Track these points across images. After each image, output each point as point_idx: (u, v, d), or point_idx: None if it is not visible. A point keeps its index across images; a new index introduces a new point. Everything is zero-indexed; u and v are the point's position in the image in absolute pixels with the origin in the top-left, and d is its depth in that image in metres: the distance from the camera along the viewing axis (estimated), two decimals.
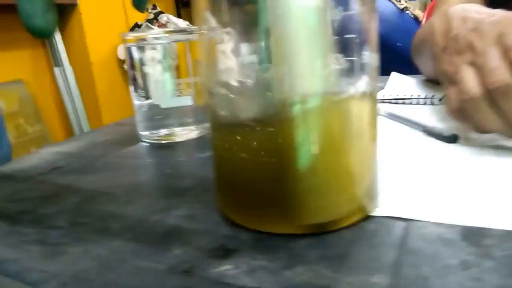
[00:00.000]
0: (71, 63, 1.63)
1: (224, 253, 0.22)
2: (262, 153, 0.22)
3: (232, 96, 0.23)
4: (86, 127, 1.68)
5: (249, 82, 0.23)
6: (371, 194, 0.25)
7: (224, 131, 0.24)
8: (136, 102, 0.45)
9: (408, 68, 0.83)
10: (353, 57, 0.23)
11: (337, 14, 0.22)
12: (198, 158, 0.38)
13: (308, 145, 0.22)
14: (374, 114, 0.24)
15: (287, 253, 0.21)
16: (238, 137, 0.23)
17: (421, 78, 0.63)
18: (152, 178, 0.34)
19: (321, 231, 0.23)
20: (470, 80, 0.32)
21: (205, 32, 0.24)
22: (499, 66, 0.30)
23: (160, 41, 0.43)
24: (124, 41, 0.44)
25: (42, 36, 0.25)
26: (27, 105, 1.51)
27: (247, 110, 0.22)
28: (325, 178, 0.22)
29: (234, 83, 0.23)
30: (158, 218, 0.26)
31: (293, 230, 0.22)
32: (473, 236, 0.21)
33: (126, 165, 0.38)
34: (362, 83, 0.23)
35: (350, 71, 0.23)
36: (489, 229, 0.22)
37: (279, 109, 0.22)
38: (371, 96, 0.24)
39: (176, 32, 0.43)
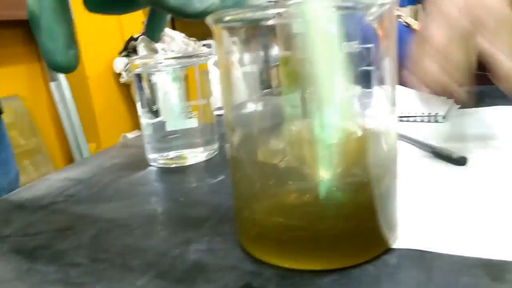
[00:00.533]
0: (67, 77, 1.62)
1: None
2: (286, 191, 0.22)
3: (254, 135, 0.23)
4: (82, 141, 1.67)
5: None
6: (392, 226, 0.25)
7: (246, 170, 0.24)
8: (144, 121, 0.45)
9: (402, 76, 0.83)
10: (371, 88, 0.24)
11: (354, 46, 0.23)
12: (210, 184, 0.38)
13: (333, 181, 0.22)
14: (395, 147, 0.25)
15: None
16: (262, 177, 0.23)
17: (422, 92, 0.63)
18: (165, 207, 0.34)
19: (345, 266, 0.23)
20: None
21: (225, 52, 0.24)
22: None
23: (169, 67, 0.43)
24: (133, 66, 0.44)
25: (65, 72, 0.25)
26: (23, 119, 1.50)
27: (271, 152, 0.23)
28: (351, 214, 0.22)
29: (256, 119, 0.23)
30: (178, 253, 0.26)
31: (318, 266, 0.23)
32: (497, 270, 0.21)
33: (138, 192, 0.38)
34: (382, 116, 0.24)
35: (371, 104, 0.24)
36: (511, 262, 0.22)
37: (303, 147, 0.22)
38: (390, 128, 0.24)
39: (184, 58, 0.44)
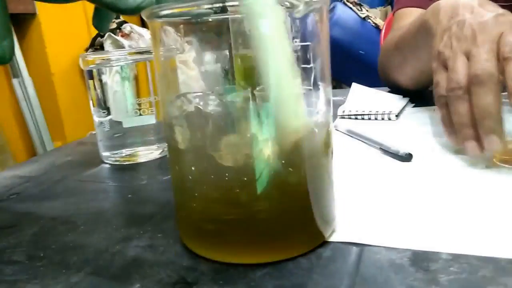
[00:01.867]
0: (30, 74, 1.57)
1: (184, 286, 0.22)
2: (222, 184, 0.23)
3: (191, 121, 0.23)
4: (47, 139, 1.63)
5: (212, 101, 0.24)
6: (328, 219, 0.26)
7: (182, 161, 0.24)
8: (97, 119, 0.45)
9: (371, 75, 0.85)
10: (310, 86, 0.24)
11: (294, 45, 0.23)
12: (160, 181, 0.38)
13: (266, 172, 0.22)
14: (329, 142, 0.25)
15: (246, 284, 0.21)
16: (195, 168, 0.23)
17: (382, 90, 0.65)
18: (112, 204, 0.34)
19: (279, 260, 0.23)
20: (460, 69, 0.35)
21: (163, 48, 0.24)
22: (489, 59, 0.33)
23: (121, 62, 0.43)
24: (85, 62, 0.43)
25: (0, 64, 0.24)
26: None
27: (208, 140, 0.23)
28: (285, 208, 0.23)
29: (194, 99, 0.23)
30: (118, 249, 0.26)
31: (252, 260, 0.23)
32: (421, 261, 0.22)
33: (87, 190, 0.38)
34: (320, 113, 0.24)
35: (309, 100, 0.24)
36: (436, 252, 0.23)
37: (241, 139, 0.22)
38: (326, 125, 0.25)
39: (136, 54, 0.43)
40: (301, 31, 0.24)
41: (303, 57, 0.24)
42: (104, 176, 0.41)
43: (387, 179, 0.34)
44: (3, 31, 0.23)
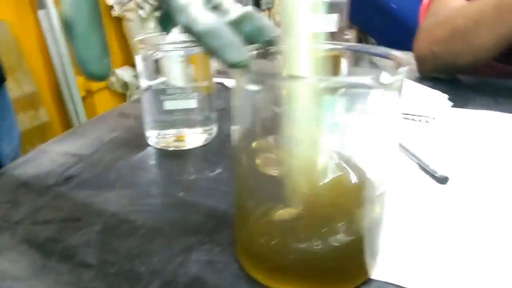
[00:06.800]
0: (56, 6, 1.55)
1: None
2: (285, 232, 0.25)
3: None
4: (71, 73, 1.64)
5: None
6: (374, 255, 0.28)
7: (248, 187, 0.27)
8: (144, 82, 0.46)
9: (399, 32, 0.82)
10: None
11: None
12: (208, 178, 0.40)
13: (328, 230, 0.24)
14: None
15: None
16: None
17: (421, 84, 0.65)
18: (166, 205, 0.36)
19: None
20: None
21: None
22: None
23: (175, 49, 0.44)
24: (141, 48, 0.44)
25: (99, 81, 0.25)
26: (9, 45, 1.46)
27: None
28: (342, 253, 0.25)
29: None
30: (180, 262, 0.29)
31: None
32: None
33: (139, 181, 0.40)
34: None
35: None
36: None
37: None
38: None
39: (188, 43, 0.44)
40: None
41: None
42: (152, 164, 0.44)
43: (424, 204, 0.36)
44: (103, 50, 0.24)
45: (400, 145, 0.46)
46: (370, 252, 0.27)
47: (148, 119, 0.47)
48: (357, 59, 0.28)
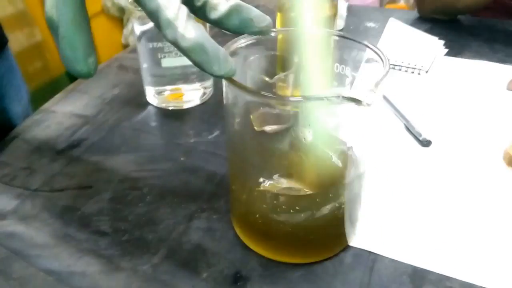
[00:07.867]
0: None
1: (238, 278, 0.29)
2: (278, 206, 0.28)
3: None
4: None
5: None
6: (353, 225, 0.32)
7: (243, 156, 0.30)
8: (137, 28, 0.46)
9: None
10: None
11: None
12: (206, 141, 0.43)
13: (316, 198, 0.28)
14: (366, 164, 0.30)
15: (286, 285, 0.29)
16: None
17: (418, 29, 0.65)
18: (169, 171, 0.40)
19: (312, 262, 0.30)
20: None
21: None
22: None
23: None
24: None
25: (85, 78, 0.26)
26: None
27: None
28: (324, 223, 0.29)
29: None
30: (182, 230, 0.33)
31: (294, 260, 0.30)
32: (418, 278, 0.29)
33: (142, 145, 0.43)
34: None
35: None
36: (432, 272, 0.30)
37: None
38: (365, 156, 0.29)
39: None
40: None
41: None
42: (153, 127, 0.46)
43: (405, 168, 0.39)
44: (89, 50, 0.24)
45: (389, 101, 0.48)
46: (350, 221, 0.31)
47: (146, 75, 0.49)
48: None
